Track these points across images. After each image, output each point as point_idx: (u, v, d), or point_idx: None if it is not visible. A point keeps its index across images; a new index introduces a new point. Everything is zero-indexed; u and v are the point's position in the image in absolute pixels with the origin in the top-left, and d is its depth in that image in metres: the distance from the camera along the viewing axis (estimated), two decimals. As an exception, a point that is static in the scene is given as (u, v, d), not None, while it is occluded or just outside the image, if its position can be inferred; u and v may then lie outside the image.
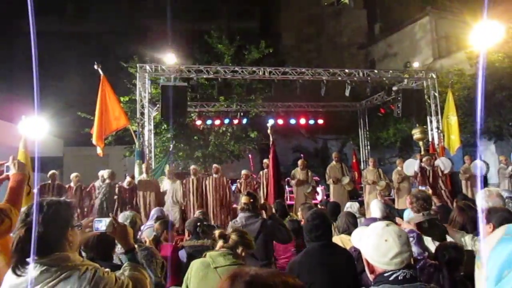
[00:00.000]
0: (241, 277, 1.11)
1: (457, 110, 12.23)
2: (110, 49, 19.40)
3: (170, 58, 13.58)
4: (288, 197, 12.04)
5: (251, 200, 4.24)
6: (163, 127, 15.45)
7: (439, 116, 12.94)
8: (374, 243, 1.81)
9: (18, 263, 1.73)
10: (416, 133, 11.82)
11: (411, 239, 3.29)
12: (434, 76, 13.38)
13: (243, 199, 4.34)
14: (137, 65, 11.90)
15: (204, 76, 12.31)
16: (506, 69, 13.62)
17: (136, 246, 2.14)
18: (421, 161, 9.77)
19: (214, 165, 10.58)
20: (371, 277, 1.86)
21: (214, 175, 10.02)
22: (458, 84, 14.78)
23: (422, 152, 11.07)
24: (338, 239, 3.87)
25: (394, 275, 1.73)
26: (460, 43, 16.66)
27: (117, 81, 12.96)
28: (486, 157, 14.00)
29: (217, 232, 3.18)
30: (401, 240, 1.78)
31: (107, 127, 9.62)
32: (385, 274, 1.75)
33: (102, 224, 2.03)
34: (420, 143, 11.99)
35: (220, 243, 3.05)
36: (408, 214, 4.34)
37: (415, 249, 2.82)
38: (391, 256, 1.75)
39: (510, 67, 13.66)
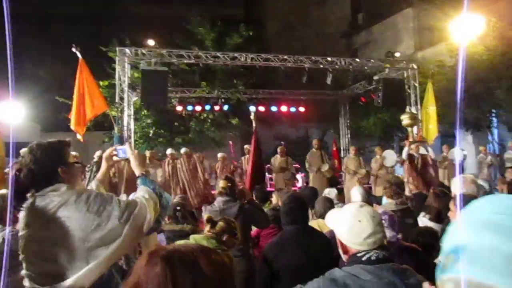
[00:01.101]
0: (158, 252, 1.08)
1: (436, 101, 12.37)
2: (90, 32, 18.96)
3: (150, 42, 13.37)
4: (269, 184, 12.06)
5: (229, 185, 4.23)
6: (143, 113, 15.26)
7: (419, 106, 13.09)
8: (348, 224, 1.81)
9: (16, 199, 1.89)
10: (405, 119, 11.71)
11: (383, 221, 3.32)
12: (415, 66, 13.51)
13: (221, 183, 4.33)
14: (117, 48, 11.67)
15: (185, 61, 12.13)
16: (485, 62, 13.81)
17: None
18: (403, 148, 9.76)
19: (184, 150, 10.53)
20: (344, 257, 1.86)
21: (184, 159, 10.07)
22: (438, 75, 14.94)
23: (411, 139, 11.03)
24: (315, 223, 3.88)
25: (367, 256, 1.73)
26: (441, 35, 16.78)
27: (96, 65, 12.68)
28: (463, 148, 14.25)
29: (206, 216, 3.21)
30: (374, 221, 1.79)
31: (86, 113, 9.40)
32: (358, 255, 1.76)
33: (124, 151, 2.38)
34: (409, 129, 11.95)
35: (207, 227, 3.09)
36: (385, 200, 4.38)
37: (388, 232, 2.84)
38: (364, 236, 1.75)
39: (489, 60, 13.85)
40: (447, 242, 0.77)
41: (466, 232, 0.73)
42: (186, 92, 15.31)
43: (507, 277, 0.65)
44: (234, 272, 1.20)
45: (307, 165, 10.76)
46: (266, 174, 11.73)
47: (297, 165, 12.41)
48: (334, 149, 15.82)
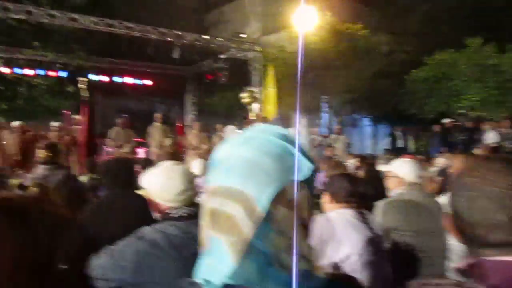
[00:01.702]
0: None
1: (276, 84, 13.24)
2: None
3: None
4: (107, 157, 11.51)
5: (50, 153, 3.91)
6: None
7: (261, 88, 13.87)
8: (160, 181, 1.83)
9: None
10: (245, 97, 12.19)
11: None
12: (259, 49, 14.23)
13: (41, 152, 3.97)
14: None
15: (13, 16, 10.65)
16: (319, 51, 15.24)
17: None
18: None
19: (18, 123, 9.41)
20: (158, 216, 1.88)
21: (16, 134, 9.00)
22: (279, 60, 15.98)
23: (252, 117, 11.52)
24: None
25: (178, 212, 1.77)
26: (284, 23, 17.95)
27: None
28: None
29: (16, 182, 2.89)
30: (185, 178, 1.84)
31: None
32: (169, 212, 1.79)
33: None
34: (249, 107, 12.49)
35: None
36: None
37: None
38: (175, 193, 1.79)
39: (322, 49, 15.32)
40: (211, 159, 0.85)
41: (225, 149, 0.84)
42: (13, 52, 13.48)
43: (243, 178, 0.76)
44: (72, 223, 1.08)
45: (148, 139, 10.58)
46: (105, 147, 11.19)
47: (139, 140, 12.08)
48: (179, 124, 15.80)
